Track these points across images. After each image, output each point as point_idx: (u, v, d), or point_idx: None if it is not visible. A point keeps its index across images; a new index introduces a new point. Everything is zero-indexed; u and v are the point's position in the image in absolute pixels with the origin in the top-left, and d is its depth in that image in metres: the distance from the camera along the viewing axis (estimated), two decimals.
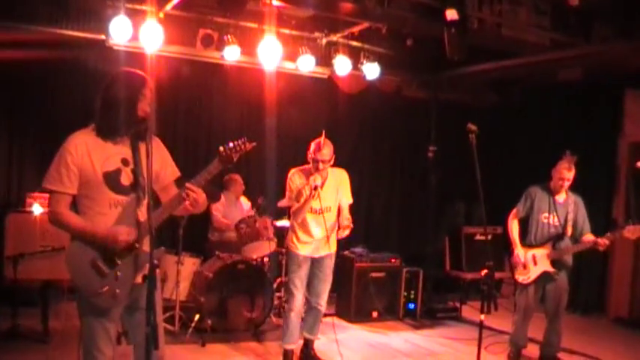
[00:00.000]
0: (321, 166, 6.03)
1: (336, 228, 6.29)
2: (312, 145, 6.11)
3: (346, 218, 6.22)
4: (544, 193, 6.80)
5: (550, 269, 6.63)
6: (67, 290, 7.32)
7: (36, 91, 8.03)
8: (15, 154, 8.06)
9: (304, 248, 6.30)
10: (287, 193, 6.33)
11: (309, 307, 6.51)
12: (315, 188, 5.96)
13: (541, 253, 6.68)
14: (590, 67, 9.37)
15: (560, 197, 6.75)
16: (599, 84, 9.57)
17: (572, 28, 8.18)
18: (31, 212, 6.59)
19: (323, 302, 6.45)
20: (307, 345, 6.60)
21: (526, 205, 6.88)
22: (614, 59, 8.39)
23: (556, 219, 6.70)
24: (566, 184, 6.66)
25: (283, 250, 8.17)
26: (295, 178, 6.23)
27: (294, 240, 6.33)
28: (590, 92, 9.72)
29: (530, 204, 6.84)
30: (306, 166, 6.26)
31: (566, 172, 6.60)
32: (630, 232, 6.36)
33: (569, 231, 6.69)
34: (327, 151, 6.04)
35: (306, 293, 6.43)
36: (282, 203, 7.61)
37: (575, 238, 6.73)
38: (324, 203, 6.10)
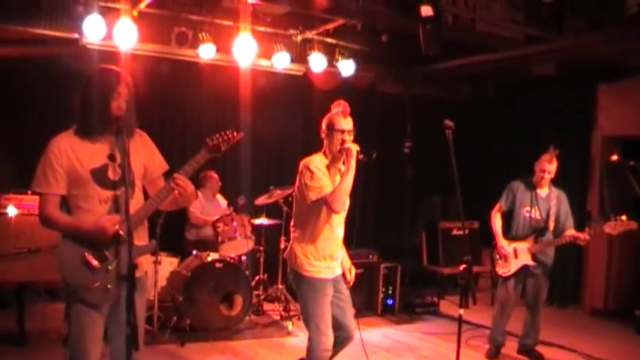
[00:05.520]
0: (347, 137, 4.55)
1: None
2: (333, 117, 4.63)
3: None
4: (526, 188, 6.79)
5: (530, 262, 6.64)
6: (45, 292, 7.31)
7: (8, 90, 7.85)
8: None
9: (326, 268, 4.67)
10: (310, 184, 4.50)
11: (337, 341, 4.70)
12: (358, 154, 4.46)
13: (522, 246, 6.67)
14: (563, 61, 9.46)
15: (543, 192, 6.74)
16: (573, 78, 9.67)
17: (545, 22, 8.26)
18: (5, 214, 6.49)
19: (355, 329, 4.87)
20: None
21: (508, 200, 6.86)
22: (587, 52, 8.48)
23: (538, 213, 6.69)
24: (547, 176, 6.64)
25: (261, 248, 8.20)
26: (316, 162, 4.59)
27: (309, 257, 4.63)
28: (564, 86, 9.82)
29: (512, 198, 6.82)
30: (315, 155, 4.70)
31: (547, 164, 6.59)
32: (611, 227, 6.33)
33: (552, 225, 6.67)
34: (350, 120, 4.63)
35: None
36: (260, 201, 7.59)
37: (557, 233, 6.69)
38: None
